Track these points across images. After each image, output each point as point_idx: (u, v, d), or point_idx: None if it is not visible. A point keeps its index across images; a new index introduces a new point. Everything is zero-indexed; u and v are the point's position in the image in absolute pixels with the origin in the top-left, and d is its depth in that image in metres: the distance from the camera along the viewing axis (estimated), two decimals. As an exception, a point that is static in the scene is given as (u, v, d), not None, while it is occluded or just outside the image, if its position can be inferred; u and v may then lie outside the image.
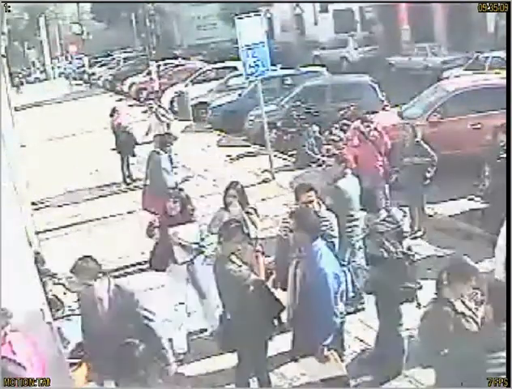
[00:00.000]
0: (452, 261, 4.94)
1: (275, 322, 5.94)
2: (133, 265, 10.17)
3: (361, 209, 7.40)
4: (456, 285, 4.70)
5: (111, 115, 16.03)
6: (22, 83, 49.46)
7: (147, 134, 15.51)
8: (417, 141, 9.93)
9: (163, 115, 15.78)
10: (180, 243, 7.15)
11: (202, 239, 7.29)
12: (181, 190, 10.44)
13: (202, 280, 7.21)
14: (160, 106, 16.25)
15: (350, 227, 7.32)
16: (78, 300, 5.66)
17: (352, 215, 7.40)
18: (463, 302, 4.77)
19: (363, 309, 7.59)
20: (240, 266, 5.83)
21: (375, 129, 10.53)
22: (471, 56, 23.87)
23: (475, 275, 4.75)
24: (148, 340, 4.97)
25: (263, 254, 7.32)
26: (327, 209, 6.82)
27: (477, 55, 22.69)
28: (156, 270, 7.59)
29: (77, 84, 47.59)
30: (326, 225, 6.50)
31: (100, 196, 14.83)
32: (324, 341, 5.48)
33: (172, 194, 7.46)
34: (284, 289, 5.96)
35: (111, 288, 5.31)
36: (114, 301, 5.25)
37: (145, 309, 5.32)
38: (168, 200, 7.35)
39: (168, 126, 15.82)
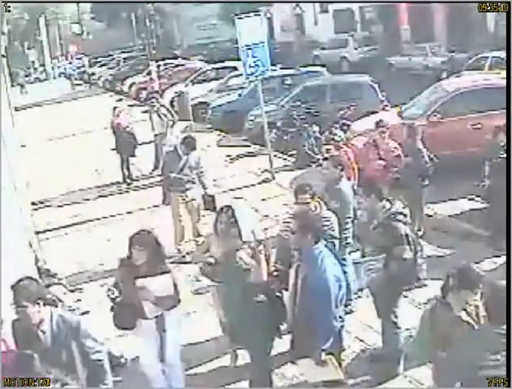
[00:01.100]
0: (459, 267, 4.91)
1: (278, 323, 5.95)
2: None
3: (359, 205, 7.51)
4: (461, 291, 4.70)
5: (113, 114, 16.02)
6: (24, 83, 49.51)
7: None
8: (416, 143, 9.88)
9: (164, 114, 15.78)
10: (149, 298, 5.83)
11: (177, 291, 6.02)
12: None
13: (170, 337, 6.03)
14: (162, 105, 16.23)
15: (346, 229, 7.41)
16: (14, 325, 4.89)
17: (349, 217, 7.54)
18: (465, 309, 4.76)
19: (359, 297, 7.63)
20: (239, 266, 5.83)
21: (394, 147, 9.90)
22: (471, 56, 23.88)
23: (481, 283, 4.75)
24: (91, 372, 4.90)
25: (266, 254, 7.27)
26: (328, 209, 6.86)
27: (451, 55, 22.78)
28: (122, 328, 6.20)
29: (77, 84, 47.60)
30: (327, 225, 6.55)
31: (100, 196, 14.81)
32: (322, 345, 5.47)
33: (140, 239, 5.87)
34: (286, 289, 5.95)
35: (54, 318, 4.84)
36: (57, 334, 4.81)
37: (89, 337, 4.95)
38: (134, 247, 5.84)
39: (168, 124, 15.80)
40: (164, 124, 15.54)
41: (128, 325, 6.00)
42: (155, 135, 15.59)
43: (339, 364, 5.80)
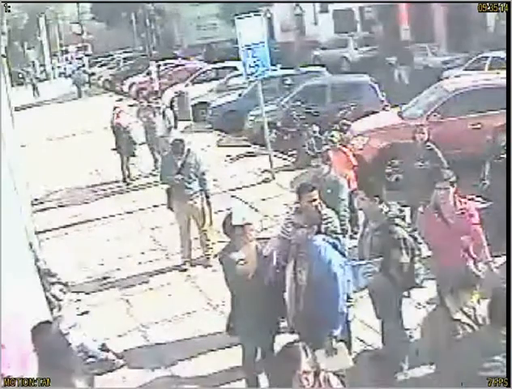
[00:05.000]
0: (456, 268, 4.91)
1: (277, 317, 5.99)
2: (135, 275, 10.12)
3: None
4: (460, 294, 4.70)
5: (113, 114, 16.02)
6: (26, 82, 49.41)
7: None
8: (428, 145, 9.74)
9: (174, 116, 15.88)
10: None
11: None
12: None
13: None
14: (169, 107, 16.26)
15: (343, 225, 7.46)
16: None
17: (343, 215, 7.63)
18: (463, 311, 4.75)
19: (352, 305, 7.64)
20: (232, 259, 5.83)
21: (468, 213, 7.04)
22: (471, 56, 23.90)
23: (479, 284, 4.74)
24: None
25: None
26: (327, 207, 6.90)
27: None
28: None
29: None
30: (330, 222, 6.60)
31: (100, 196, 14.83)
32: (333, 332, 5.54)
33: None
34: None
35: None
36: None
37: None
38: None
39: (171, 127, 15.83)
40: (167, 126, 15.52)
41: None
42: (161, 137, 15.44)
43: (349, 351, 5.84)
